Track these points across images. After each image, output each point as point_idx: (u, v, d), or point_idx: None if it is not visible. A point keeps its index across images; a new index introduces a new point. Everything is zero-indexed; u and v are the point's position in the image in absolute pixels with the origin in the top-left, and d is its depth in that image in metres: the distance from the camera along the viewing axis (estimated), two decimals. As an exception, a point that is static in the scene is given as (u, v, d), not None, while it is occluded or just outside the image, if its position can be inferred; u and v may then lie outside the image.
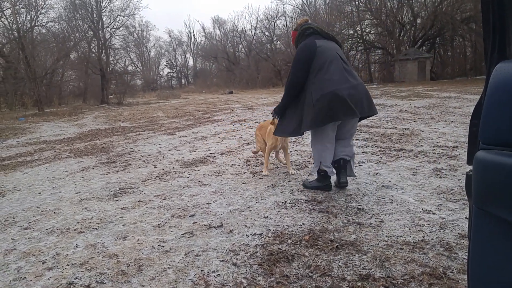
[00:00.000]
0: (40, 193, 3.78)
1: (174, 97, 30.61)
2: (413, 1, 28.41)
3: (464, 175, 0.93)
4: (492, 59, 0.88)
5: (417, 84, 21.17)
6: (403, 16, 29.62)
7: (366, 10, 29.76)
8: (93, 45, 28.99)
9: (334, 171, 3.07)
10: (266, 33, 43.13)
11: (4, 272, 2.06)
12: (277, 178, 3.65)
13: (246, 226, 2.47)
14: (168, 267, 1.98)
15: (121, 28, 31.48)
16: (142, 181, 3.88)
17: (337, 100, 2.75)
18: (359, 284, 1.69)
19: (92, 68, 28.28)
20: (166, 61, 62.17)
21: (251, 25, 60.03)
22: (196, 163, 4.60)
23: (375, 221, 2.40)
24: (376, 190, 3.03)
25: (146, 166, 4.64)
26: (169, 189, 3.51)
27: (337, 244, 2.08)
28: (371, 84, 24.77)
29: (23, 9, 22.79)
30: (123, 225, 2.65)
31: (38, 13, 23.93)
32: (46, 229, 2.68)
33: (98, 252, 2.22)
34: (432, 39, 28.99)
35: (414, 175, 3.37)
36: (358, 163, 3.96)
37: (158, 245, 2.25)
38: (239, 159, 4.66)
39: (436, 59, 29.23)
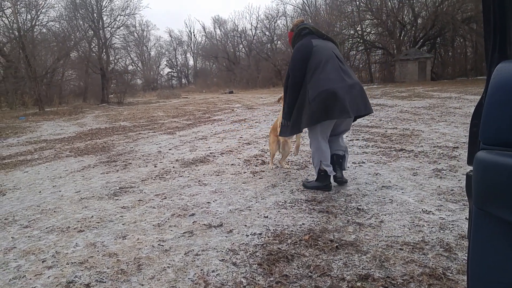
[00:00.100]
0: (40, 192, 3.79)
1: (174, 97, 30.61)
2: (414, 1, 28.40)
3: (464, 176, 0.92)
4: (493, 59, 0.88)
5: (417, 84, 21.16)
6: (404, 16, 29.61)
7: (366, 10, 29.75)
8: (94, 45, 29.00)
9: (334, 172, 3.09)
10: (267, 33, 43.12)
11: (4, 270, 2.07)
12: (277, 178, 3.65)
13: (246, 225, 2.47)
14: (168, 266, 1.98)
15: (121, 28, 31.56)
16: (142, 180, 3.88)
17: (332, 99, 2.78)
18: (358, 284, 1.69)
19: (92, 67, 28.28)
20: (167, 60, 62.23)
21: (252, 25, 60.11)
22: (196, 162, 4.60)
23: (375, 221, 2.40)
24: (376, 190, 3.03)
25: (146, 166, 4.64)
26: (169, 188, 3.51)
27: (337, 244, 2.08)
28: (372, 84, 24.76)
29: (23, 9, 22.83)
30: (123, 224, 2.65)
31: (39, 13, 23.97)
32: (46, 228, 2.68)
33: (98, 251, 2.22)
34: (433, 39, 28.98)
35: (414, 175, 3.37)
36: (358, 163, 3.96)
37: (158, 244, 2.25)
38: (239, 158, 4.66)
39: (436, 59, 29.21)
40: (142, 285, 1.81)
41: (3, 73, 23.80)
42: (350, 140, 5.33)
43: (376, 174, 3.49)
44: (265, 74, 38.57)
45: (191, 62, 62.02)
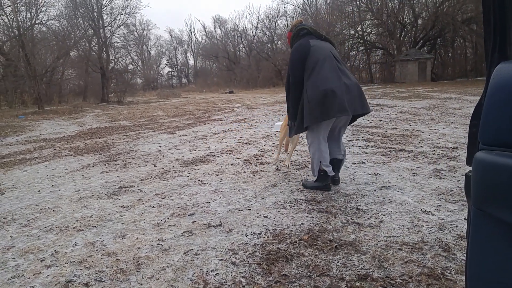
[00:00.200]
0: (39, 191, 3.78)
1: (174, 96, 30.62)
2: (414, 1, 28.42)
3: (464, 176, 0.92)
4: (493, 60, 0.88)
5: (417, 84, 21.18)
6: (404, 17, 29.64)
7: (367, 11, 29.77)
8: (94, 44, 29.00)
9: (333, 172, 3.10)
10: (267, 33, 43.14)
11: (3, 269, 2.06)
12: (277, 178, 3.65)
13: (245, 225, 2.47)
14: (167, 266, 1.98)
15: (121, 27, 31.56)
16: (141, 180, 3.88)
17: (330, 98, 2.80)
18: (357, 284, 1.69)
19: (92, 66, 28.28)
20: (167, 60, 62.25)
21: (252, 25, 59.91)
22: (196, 162, 4.60)
23: (374, 221, 2.40)
24: (375, 190, 3.03)
25: (146, 165, 4.64)
26: (169, 188, 3.51)
27: (336, 244, 2.08)
28: (372, 85, 24.76)
29: (23, 7, 22.83)
30: (122, 223, 2.65)
31: (39, 11, 23.98)
32: (45, 227, 2.67)
33: (97, 250, 2.22)
34: (433, 40, 29.01)
35: (414, 175, 3.37)
36: (358, 163, 3.96)
37: (157, 244, 2.25)
38: (239, 158, 4.66)
39: (436, 60, 29.24)
40: (141, 284, 1.81)
41: (3, 72, 23.79)
42: (350, 140, 5.34)
43: (376, 174, 3.49)
44: (265, 74, 38.58)
45: (191, 62, 62.12)
